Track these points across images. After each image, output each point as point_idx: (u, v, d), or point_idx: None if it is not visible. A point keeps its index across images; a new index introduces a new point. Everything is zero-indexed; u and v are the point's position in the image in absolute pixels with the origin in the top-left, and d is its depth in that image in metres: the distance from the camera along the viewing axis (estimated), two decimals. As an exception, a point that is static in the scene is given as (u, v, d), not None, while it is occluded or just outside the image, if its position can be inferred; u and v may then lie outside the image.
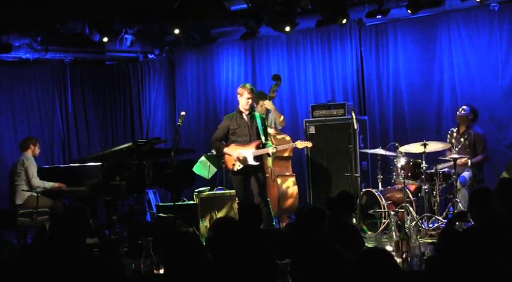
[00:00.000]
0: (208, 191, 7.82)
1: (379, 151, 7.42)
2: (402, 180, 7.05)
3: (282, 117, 8.10)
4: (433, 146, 7.13)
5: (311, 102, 9.01)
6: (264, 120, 7.05)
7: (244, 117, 6.93)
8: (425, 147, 6.99)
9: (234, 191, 7.34)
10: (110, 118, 10.70)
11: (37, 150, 7.76)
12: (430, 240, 6.37)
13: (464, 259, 3.31)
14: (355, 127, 7.48)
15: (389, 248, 5.17)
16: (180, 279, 3.21)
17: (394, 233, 6.45)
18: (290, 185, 7.83)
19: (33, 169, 7.49)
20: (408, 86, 8.62)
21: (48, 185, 7.47)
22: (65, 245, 3.44)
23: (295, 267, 3.98)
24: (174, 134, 9.23)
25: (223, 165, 7.26)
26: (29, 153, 7.65)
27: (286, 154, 7.81)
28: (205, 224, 7.27)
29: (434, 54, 8.45)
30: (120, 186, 7.25)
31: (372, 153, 7.92)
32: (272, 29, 8.45)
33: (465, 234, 3.48)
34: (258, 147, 6.82)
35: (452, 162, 6.96)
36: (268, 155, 6.95)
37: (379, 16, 8.14)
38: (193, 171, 8.01)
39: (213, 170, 8.05)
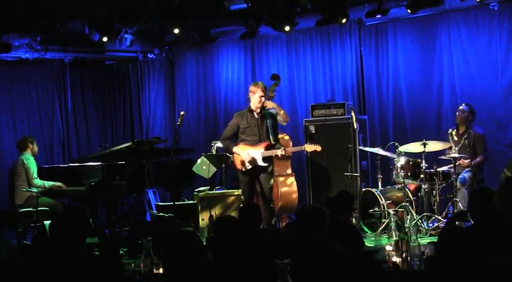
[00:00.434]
0: (208, 190, 7.83)
1: (379, 151, 7.42)
2: (402, 180, 7.06)
3: (283, 111, 8.06)
4: (433, 146, 7.13)
5: (311, 101, 9.01)
6: (275, 119, 6.97)
7: (255, 115, 6.83)
8: (425, 146, 6.99)
9: (233, 190, 7.33)
10: (109, 118, 10.70)
11: (36, 148, 7.74)
12: (430, 240, 6.36)
13: (464, 259, 3.32)
14: (355, 127, 7.47)
15: (389, 247, 5.15)
16: (179, 279, 3.21)
17: (393, 233, 6.43)
18: (290, 185, 7.82)
19: (33, 169, 7.48)
20: (408, 86, 8.62)
21: (48, 184, 7.47)
22: (65, 245, 3.44)
23: (295, 267, 3.98)
24: (173, 133, 9.23)
25: (232, 165, 7.19)
26: (28, 153, 7.63)
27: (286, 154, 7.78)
28: (205, 223, 7.27)
29: (434, 54, 8.44)
30: (120, 186, 7.25)
31: (371, 153, 7.92)
32: (272, 28, 8.45)
33: (465, 234, 3.48)
34: (267, 148, 6.74)
35: (452, 162, 6.96)
36: (277, 157, 6.89)
37: (379, 16, 8.14)
38: (193, 171, 8.01)
39: (213, 169, 8.04)
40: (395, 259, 4.75)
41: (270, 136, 6.73)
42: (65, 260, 3.38)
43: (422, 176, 7.03)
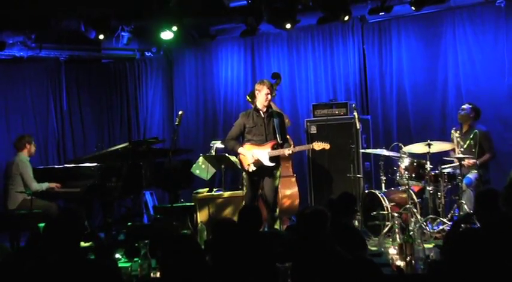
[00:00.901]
0: (207, 192, 7.81)
1: (382, 151, 7.40)
2: (406, 182, 7.04)
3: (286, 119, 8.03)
4: (438, 146, 7.12)
5: (312, 101, 9.01)
6: (282, 118, 6.94)
7: (262, 114, 6.77)
8: (429, 147, 6.97)
9: (233, 192, 7.31)
10: (106, 117, 10.69)
11: (33, 149, 7.69)
12: (434, 243, 6.35)
13: (470, 262, 3.30)
14: (358, 127, 7.46)
15: (392, 250, 5.14)
16: (177, 283, 3.20)
17: (397, 236, 6.43)
18: (291, 186, 7.80)
19: (29, 173, 7.40)
20: (412, 85, 8.62)
21: (45, 186, 7.45)
22: (59, 248, 3.43)
23: (296, 271, 3.97)
24: (171, 133, 9.21)
25: (238, 165, 7.16)
26: (24, 154, 7.57)
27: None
28: (203, 226, 7.26)
29: (438, 52, 8.44)
30: (117, 188, 7.24)
31: (374, 154, 7.91)
32: (272, 26, 8.44)
33: (471, 237, 3.46)
34: (274, 148, 6.72)
35: (457, 163, 6.95)
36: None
37: (382, 13, 8.13)
38: (192, 172, 8.00)
39: (212, 170, 8.04)
40: (399, 263, 4.74)
41: (277, 135, 6.67)
42: (59, 263, 3.36)
43: (426, 177, 7.01)
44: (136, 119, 10.69)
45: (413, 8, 7.79)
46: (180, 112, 6.85)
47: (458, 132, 7.30)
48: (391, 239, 6.62)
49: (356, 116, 7.42)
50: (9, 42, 8.87)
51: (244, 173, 6.85)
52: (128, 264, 5.48)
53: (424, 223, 6.80)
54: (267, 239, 4.72)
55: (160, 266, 3.67)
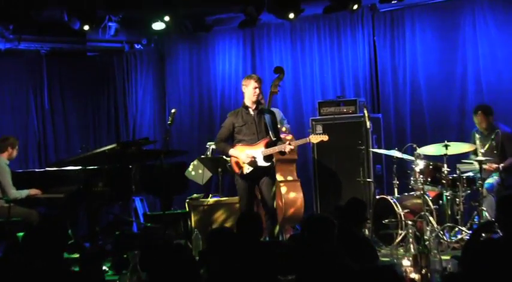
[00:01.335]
0: (202, 198, 7.81)
1: (395, 153, 7.40)
2: (421, 186, 7.04)
3: (285, 127, 8.02)
4: (456, 147, 7.11)
5: (318, 98, 9.01)
6: (273, 114, 6.96)
7: (251, 112, 6.82)
8: (446, 148, 6.97)
9: (231, 198, 7.31)
10: (91, 116, 10.69)
11: (15, 153, 7.67)
12: (452, 254, 6.35)
13: (490, 275, 3.30)
14: (368, 126, 7.46)
15: (406, 262, 5.14)
16: (169, 298, 3.20)
17: (411, 246, 6.43)
18: (295, 192, 7.79)
19: (7, 179, 7.37)
20: (427, 80, 8.61)
21: (24, 193, 7.43)
22: (40, 260, 3.43)
23: (300, 285, 3.97)
24: (164, 133, 9.22)
25: (230, 169, 7.18)
26: (4, 157, 7.55)
27: (290, 156, 7.78)
28: (198, 235, 7.26)
29: (456, 44, 8.44)
30: (103, 193, 7.24)
31: (386, 156, 7.91)
32: (274, 15, 8.45)
33: (492, 247, 3.46)
34: (267, 146, 6.74)
35: (478, 166, 6.95)
36: (281, 153, 6.86)
37: (395, 1, 8.15)
38: (186, 176, 7.99)
39: (208, 174, 8.03)
40: (414, 276, 4.73)
41: (270, 132, 6.72)
42: (40, 276, 3.36)
43: (443, 181, 7.01)
44: (125, 117, 10.69)
45: (428, -5, 7.80)
46: (172, 110, 6.85)
47: (479, 133, 7.30)
48: (404, 250, 6.61)
49: (366, 114, 7.42)
50: (-16, 33, 8.88)
51: (237, 178, 6.88)
52: (116, 277, 5.48)
53: (441, 232, 6.79)
54: (269, 249, 4.72)
55: (150, 280, 3.66)
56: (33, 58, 10.25)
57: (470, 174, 7.15)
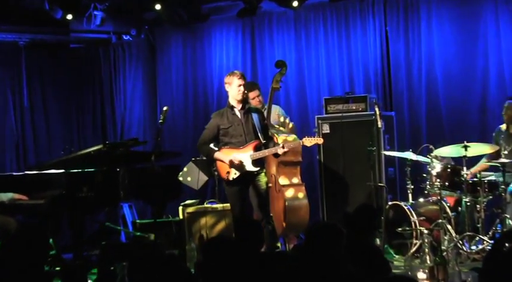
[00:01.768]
0: (198, 204, 7.81)
1: (409, 155, 7.40)
2: (438, 191, 7.04)
3: (292, 124, 8.03)
4: (476, 149, 7.11)
5: (324, 94, 9.02)
6: (261, 114, 7.02)
7: (237, 113, 6.88)
8: (466, 149, 6.97)
9: (227, 205, 7.31)
10: (75, 114, 10.70)
11: None
12: (472, 266, 6.35)
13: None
14: (379, 125, 7.46)
15: (422, 275, 5.14)
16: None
17: (427, 257, 6.43)
18: (299, 197, 7.79)
19: None
20: (445, 74, 8.62)
21: (7, 196, 7.42)
22: (18, 273, 3.42)
23: (304, 299, 3.97)
24: (155, 134, 9.21)
25: (216, 174, 7.23)
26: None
27: (293, 158, 7.79)
28: (193, 245, 7.25)
29: (477, 35, 8.45)
30: (88, 199, 7.23)
31: (400, 158, 7.90)
32: (276, 3, 8.45)
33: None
34: (256, 149, 6.78)
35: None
36: (275, 155, 6.89)
37: (409, -12, 8.15)
38: (179, 180, 7.99)
39: (203, 178, 8.03)
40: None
41: (259, 134, 6.75)
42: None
43: (463, 186, 7.01)
44: (112, 116, 10.69)
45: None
46: (164, 108, 6.86)
47: (503, 131, 7.30)
48: (419, 261, 6.61)
49: (377, 112, 7.42)
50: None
51: (224, 184, 6.93)
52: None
53: (460, 242, 6.79)
54: (270, 260, 4.72)
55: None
56: (10, 50, 10.25)
57: (493, 178, 7.15)
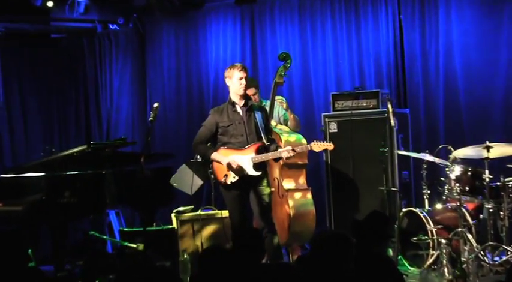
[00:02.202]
0: (192, 211, 7.80)
1: (426, 156, 7.40)
2: (457, 197, 7.03)
3: (292, 115, 8.04)
4: (500, 150, 7.11)
5: (332, 90, 9.03)
6: (265, 112, 7.00)
7: (238, 109, 6.85)
8: (488, 150, 6.97)
9: (226, 211, 7.31)
10: (56, 112, 10.70)
11: None
12: (495, 279, 6.35)
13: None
14: (393, 124, 7.45)
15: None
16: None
17: (446, 269, 6.43)
18: (305, 203, 7.79)
19: None
20: (465, 67, 8.62)
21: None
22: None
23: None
24: (144, 133, 9.22)
25: (212, 177, 7.22)
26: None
27: (299, 160, 7.78)
28: (187, 256, 7.25)
29: (500, 24, 8.46)
30: (71, 205, 7.23)
31: (415, 159, 7.90)
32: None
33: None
34: (258, 151, 6.75)
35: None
36: (276, 160, 6.87)
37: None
38: (171, 184, 7.99)
39: (198, 182, 8.03)
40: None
41: (262, 135, 6.72)
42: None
43: (485, 191, 7.01)
44: (97, 113, 10.70)
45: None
46: (155, 104, 6.85)
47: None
48: (437, 274, 6.61)
49: (390, 110, 7.41)
50: None
51: (222, 188, 6.89)
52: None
53: (482, 252, 6.79)
54: (272, 272, 4.72)
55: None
56: (-16, 41, 10.27)
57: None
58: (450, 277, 5.17)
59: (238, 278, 4.22)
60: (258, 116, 6.83)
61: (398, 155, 7.97)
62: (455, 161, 7.16)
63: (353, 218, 7.29)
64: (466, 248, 6.79)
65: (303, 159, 7.73)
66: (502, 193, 6.98)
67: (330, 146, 7.00)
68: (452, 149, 7.20)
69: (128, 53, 10.60)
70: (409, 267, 7.18)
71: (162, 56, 10.38)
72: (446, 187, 7.21)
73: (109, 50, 10.66)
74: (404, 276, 5.88)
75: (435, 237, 6.98)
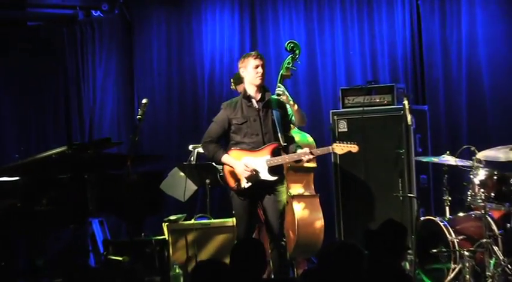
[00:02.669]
0: (185, 220, 7.80)
1: (447, 159, 7.40)
2: (482, 204, 7.03)
3: (297, 107, 8.03)
4: (529, 152, 7.12)
5: (341, 84, 9.05)
6: (284, 109, 6.87)
7: (254, 104, 6.72)
8: (516, 153, 6.99)
9: (221, 220, 7.31)
10: (33, 109, 10.70)
11: None
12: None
13: None
14: (409, 122, 7.46)
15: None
16: None
17: (469, 285, 6.43)
18: (312, 211, 7.80)
19: None
20: (490, 59, 8.64)
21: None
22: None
23: None
24: (131, 132, 9.21)
25: (221, 181, 7.14)
26: None
27: (306, 164, 7.78)
28: (179, 270, 7.25)
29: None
30: (49, 213, 7.23)
31: (434, 163, 7.90)
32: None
33: None
34: (274, 153, 6.68)
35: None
36: (297, 162, 6.81)
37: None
38: (162, 190, 7.99)
39: (192, 188, 8.03)
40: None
41: (279, 134, 6.65)
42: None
43: (512, 197, 7.03)
44: (78, 111, 10.70)
45: None
46: (144, 101, 6.85)
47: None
48: (459, 290, 6.63)
49: (406, 106, 7.42)
50: None
51: (232, 193, 6.83)
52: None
53: (509, 266, 6.79)
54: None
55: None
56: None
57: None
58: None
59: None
60: (276, 112, 6.70)
61: (416, 157, 7.95)
62: (479, 164, 7.16)
63: (365, 228, 7.31)
64: (491, 261, 6.80)
65: (311, 163, 7.69)
66: (532, 200, 7.01)
67: (354, 148, 6.75)
68: (476, 151, 7.20)
69: (113, 43, 10.60)
70: (428, 281, 7.20)
71: (152, 47, 10.38)
72: (469, 193, 7.22)
73: (92, 39, 10.65)
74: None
75: (457, 249, 6.98)
